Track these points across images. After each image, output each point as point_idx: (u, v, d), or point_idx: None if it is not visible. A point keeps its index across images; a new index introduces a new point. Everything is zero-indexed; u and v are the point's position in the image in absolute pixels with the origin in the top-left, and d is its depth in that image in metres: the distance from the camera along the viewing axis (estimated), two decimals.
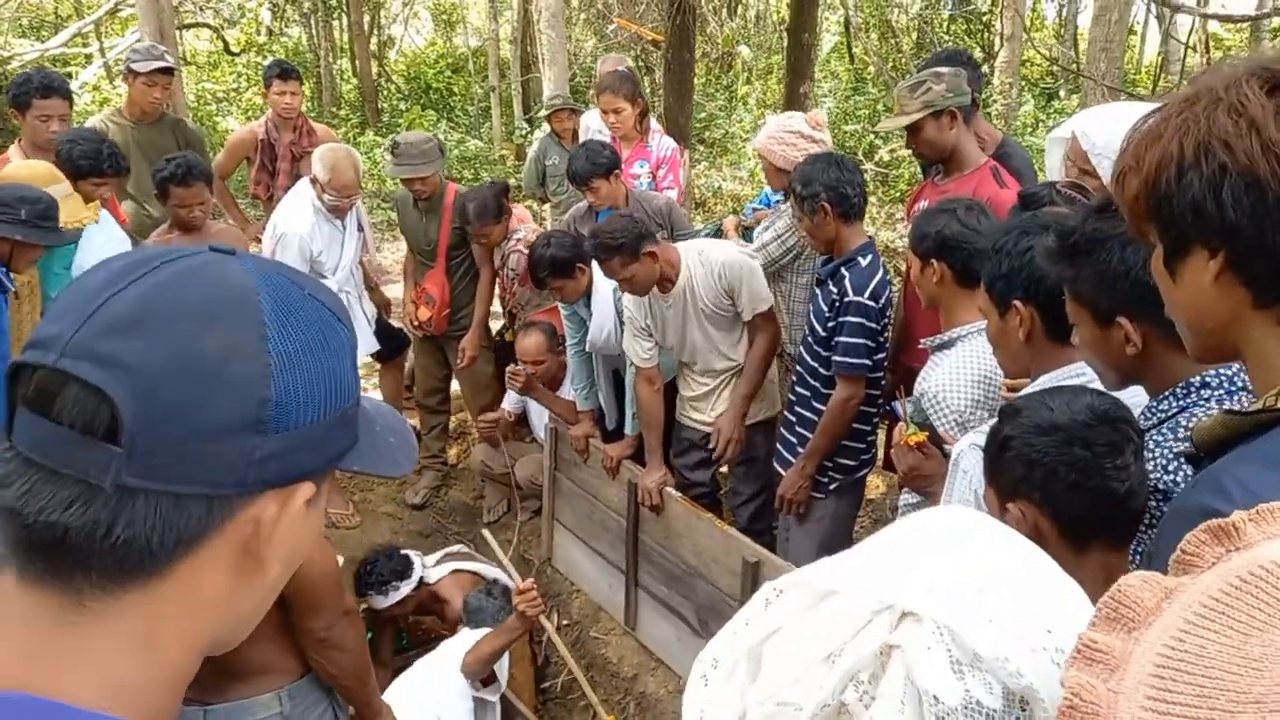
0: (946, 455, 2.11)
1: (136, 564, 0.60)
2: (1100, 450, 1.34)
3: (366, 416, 0.73)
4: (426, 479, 5.02)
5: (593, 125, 5.13)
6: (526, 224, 4.67)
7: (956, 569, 0.75)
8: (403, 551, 3.87)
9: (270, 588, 0.70)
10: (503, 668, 3.46)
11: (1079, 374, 1.67)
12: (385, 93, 15.25)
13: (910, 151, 3.42)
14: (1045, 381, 1.71)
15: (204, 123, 12.29)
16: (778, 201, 3.93)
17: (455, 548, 4.27)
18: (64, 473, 0.58)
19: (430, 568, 3.91)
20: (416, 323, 4.69)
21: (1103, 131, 2.56)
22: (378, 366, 5.22)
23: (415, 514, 4.91)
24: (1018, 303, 1.73)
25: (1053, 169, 2.86)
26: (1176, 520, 0.95)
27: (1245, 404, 1.09)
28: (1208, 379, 1.39)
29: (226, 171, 5.13)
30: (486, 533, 2.98)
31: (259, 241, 5.13)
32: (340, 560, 3.34)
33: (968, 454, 1.75)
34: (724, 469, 4.07)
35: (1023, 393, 1.71)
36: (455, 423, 5.38)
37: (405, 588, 3.73)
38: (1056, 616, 0.70)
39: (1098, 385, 1.51)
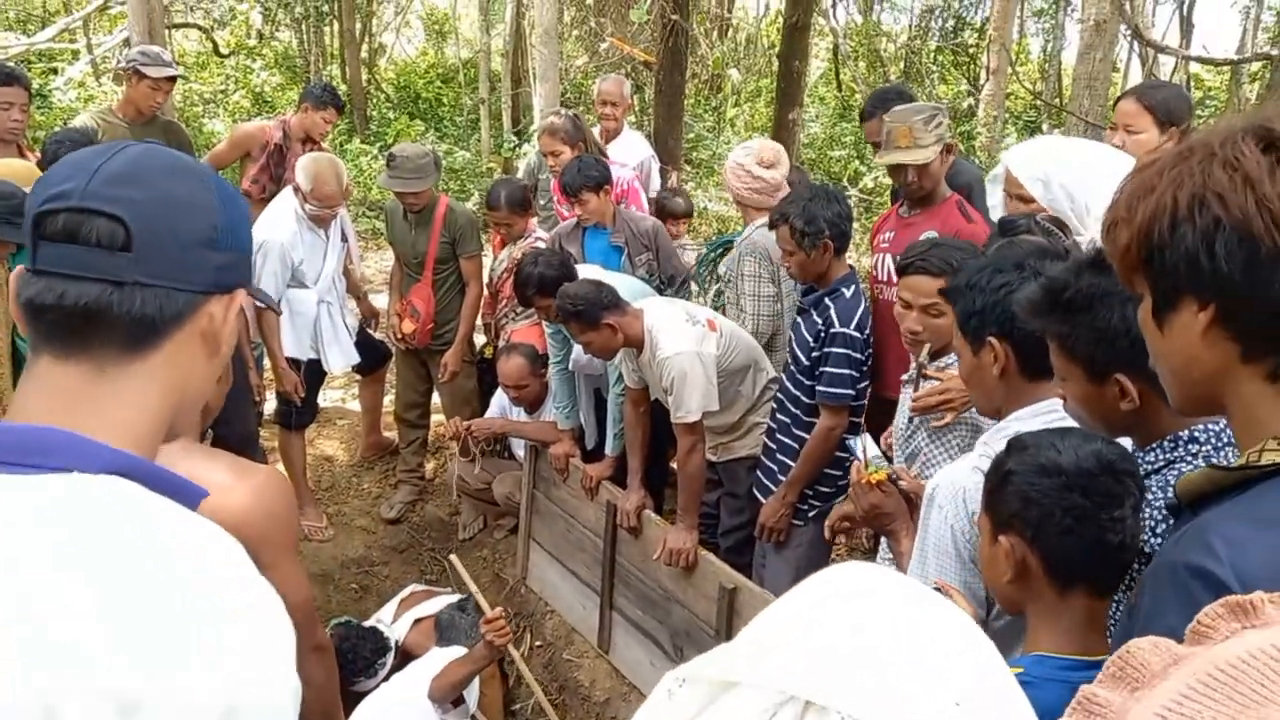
0: (905, 494, 2.12)
1: (143, 337, 0.87)
2: (1099, 500, 1.35)
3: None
4: (402, 493, 4.98)
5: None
6: (537, 231, 4.67)
7: (861, 645, 0.71)
8: (368, 625, 3.76)
9: (215, 370, 0.98)
10: (472, 689, 3.41)
11: (1051, 409, 1.68)
12: (374, 101, 15.22)
13: (902, 182, 3.33)
14: (1017, 417, 1.72)
15: (190, 124, 12.19)
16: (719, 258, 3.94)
17: (407, 591, 4.14)
18: (90, 277, 0.84)
19: (391, 625, 3.83)
20: (399, 335, 4.66)
21: (1029, 158, 2.72)
22: (358, 378, 5.18)
23: (389, 528, 4.86)
24: (992, 339, 1.73)
25: (995, 207, 2.93)
26: (1163, 575, 0.95)
27: (1231, 459, 1.09)
28: (1195, 433, 1.40)
29: (225, 162, 5.11)
30: (455, 559, 2.91)
31: None
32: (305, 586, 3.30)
33: (944, 489, 1.75)
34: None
35: (1003, 428, 1.71)
36: (433, 437, 5.34)
37: (389, 660, 3.66)
38: (968, 687, 0.66)
39: (1069, 422, 1.52)
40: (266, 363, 5.28)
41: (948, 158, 3.25)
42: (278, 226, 4.23)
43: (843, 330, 3.08)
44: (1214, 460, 1.33)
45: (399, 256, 4.72)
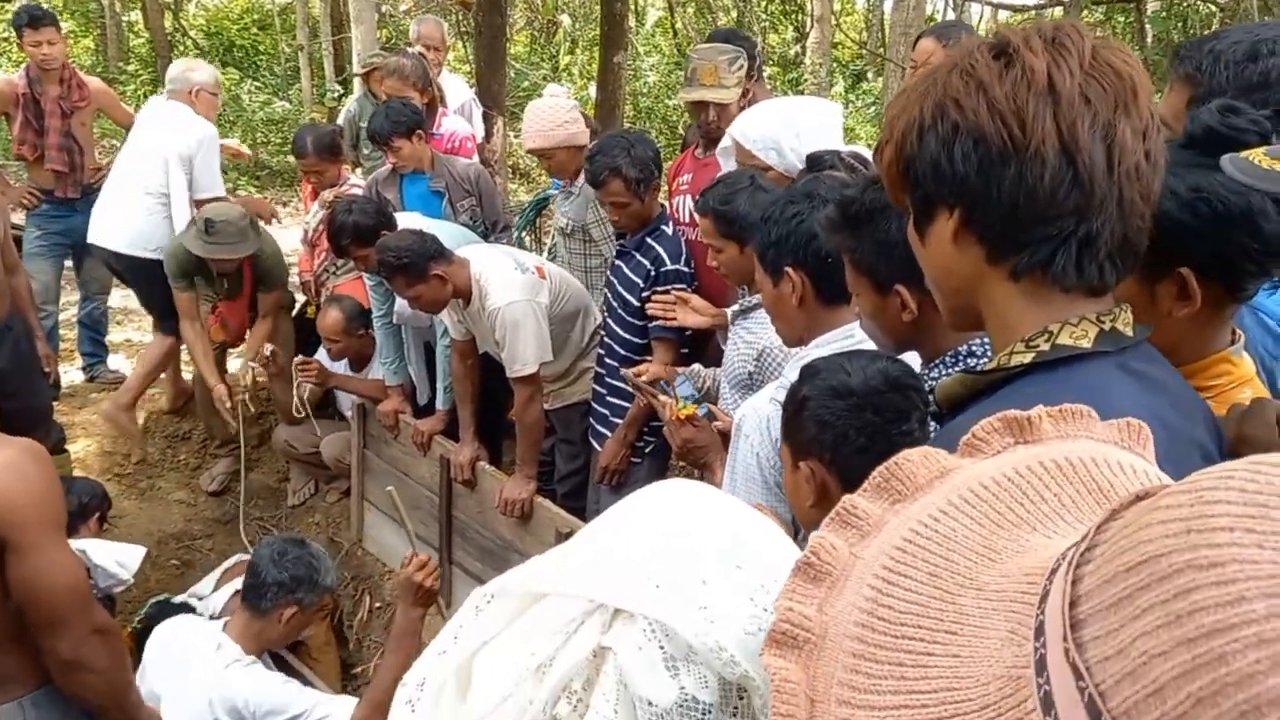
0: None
1: None
2: (890, 416, 1.40)
3: None
4: (223, 464, 4.67)
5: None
6: (351, 178, 4.44)
7: (666, 553, 0.72)
8: (178, 600, 3.46)
9: None
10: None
11: (849, 335, 1.72)
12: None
13: (702, 121, 3.33)
14: (818, 344, 1.75)
15: None
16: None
17: (231, 561, 3.82)
18: None
19: (209, 596, 3.56)
20: (215, 342, 4.34)
21: (756, 126, 2.80)
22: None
23: (211, 500, 4.59)
24: (789, 269, 1.76)
25: None
26: None
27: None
28: (974, 348, 1.46)
29: None
30: (393, 490, 2.67)
31: (25, 207, 4.66)
32: (142, 552, 3.02)
33: (749, 418, 1.77)
34: None
35: (804, 355, 1.75)
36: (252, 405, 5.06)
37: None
38: (771, 588, 0.68)
39: (869, 346, 1.56)
40: (59, 333, 4.88)
41: (743, 99, 3.28)
42: (201, 127, 4.36)
43: (675, 267, 3.12)
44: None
45: (203, 299, 4.31)
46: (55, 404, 4.27)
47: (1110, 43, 0.91)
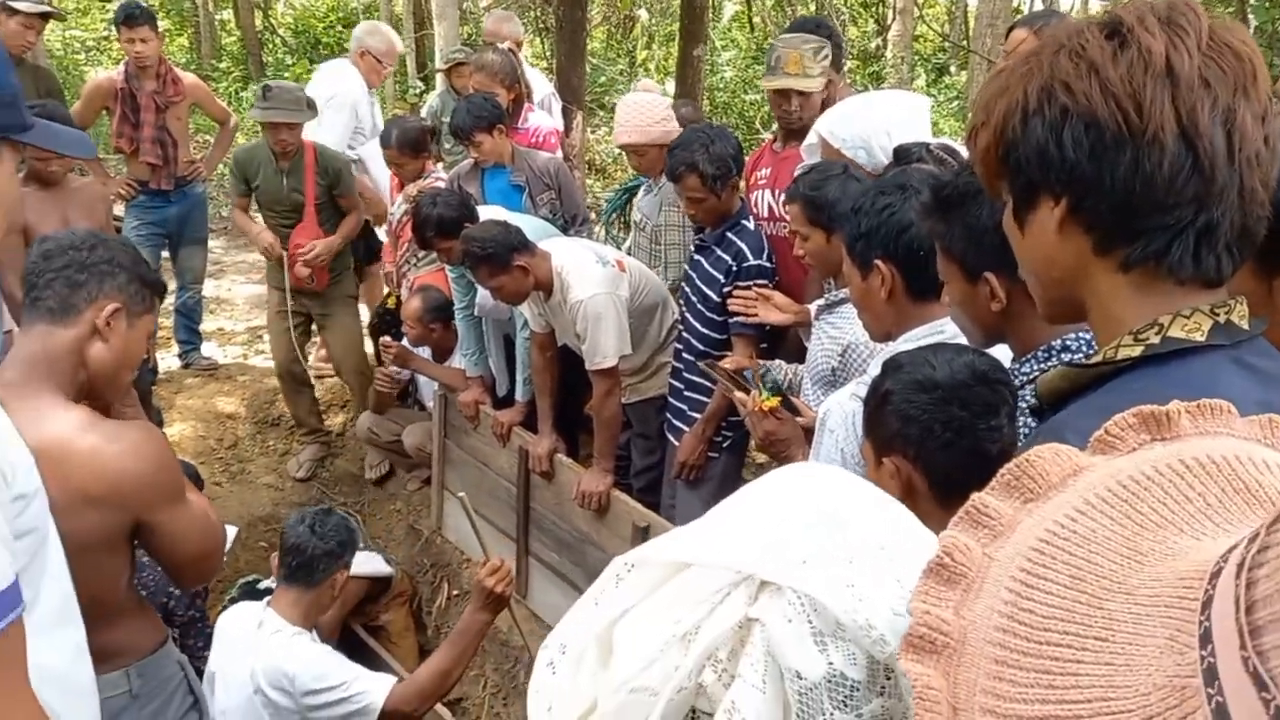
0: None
1: None
2: (976, 410, 1.36)
3: (47, 123, 1.30)
4: (309, 451, 4.83)
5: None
6: (436, 172, 4.52)
7: (812, 531, 0.72)
8: (263, 586, 3.40)
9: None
10: None
11: (939, 331, 1.69)
12: (270, 46, 14.57)
13: (784, 110, 3.30)
14: (906, 339, 1.72)
15: (70, 72, 11.52)
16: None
17: None
18: None
19: None
20: (295, 280, 4.45)
21: (846, 125, 2.76)
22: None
23: (298, 484, 4.74)
24: (879, 262, 1.73)
25: None
26: None
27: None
28: (1068, 342, 1.42)
29: (86, 122, 4.79)
30: (464, 496, 2.69)
31: (123, 198, 4.85)
32: (233, 531, 3.10)
33: (834, 413, 1.75)
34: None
35: (891, 350, 1.72)
36: (330, 391, 5.20)
37: None
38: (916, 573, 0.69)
39: (961, 341, 1.53)
40: (160, 319, 5.07)
41: (828, 92, 3.25)
42: (349, 82, 4.87)
43: (756, 263, 3.10)
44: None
45: (269, 206, 4.46)
46: (153, 388, 4.45)
47: (1227, 23, 0.87)
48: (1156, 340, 0.88)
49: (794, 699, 0.66)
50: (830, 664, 0.66)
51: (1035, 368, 1.43)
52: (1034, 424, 1.18)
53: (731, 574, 0.70)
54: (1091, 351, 1.36)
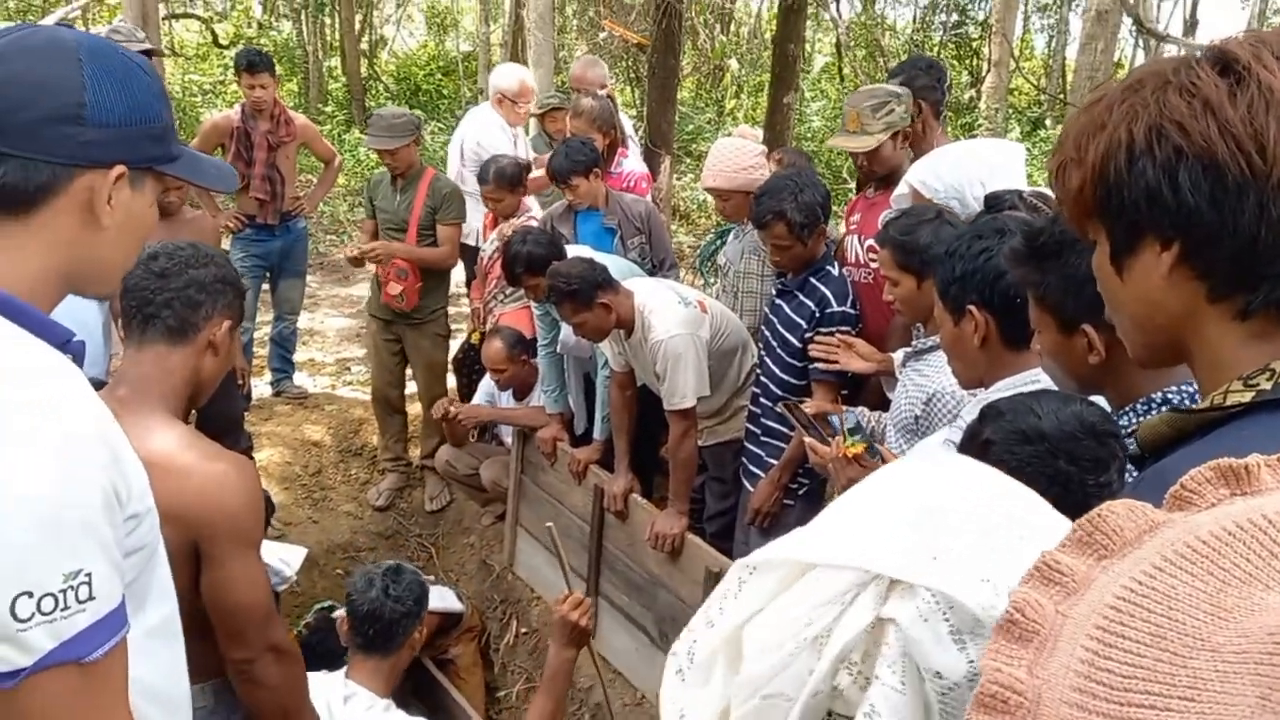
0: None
1: (14, 202, 1.00)
2: (1085, 465, 1.28)
3: (195, 156, 1.19)
4: (389, 480, 4.93)
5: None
6: (531, 210, 4.62)
7: (937, 525, 0.69)
8: (336, 612, 3.30)
9: (111, 244, 1.08)
10: None
11: (1033, 381, 1.63)
12: (373, 92, 15.19)
13: (857, 164, 3.33)
14: (998, 388, 1.67)
15: (188, 114, 12.18)
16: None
17: None
18: None
19: None
20: (386, 298, 4.58)
21: (939, 175, 2.74)
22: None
23: (377, 514, 4.83)
24: (973, 308, 1.68)
25: None
26: None
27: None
28: (1169, 395, 1.36)
29: None
30: (552, 526, 2.67)
31: (231, 231, 5.07)
32: (303, 552, 3.12)
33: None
34: None
35: (983, 399, 1.66)
36: (416, 423, 5.30)
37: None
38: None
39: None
40: (254, 349, 5.26)
41: (903, 142, 3.21)
42: (471, 126, 5.23)
43: (840, 309, 3.07)
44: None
45: (381, 224, 4.65)
46: (245, 414, 4.60)
47: None
48: (1268, 386, 0.83)
49: (935, 699, 0.64)
50: (971, 662, 0.64)
51: (1134, 421, 1.36)
52: (1134, 472, 1.12)
53: (860, 574, 0.68)
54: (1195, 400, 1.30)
